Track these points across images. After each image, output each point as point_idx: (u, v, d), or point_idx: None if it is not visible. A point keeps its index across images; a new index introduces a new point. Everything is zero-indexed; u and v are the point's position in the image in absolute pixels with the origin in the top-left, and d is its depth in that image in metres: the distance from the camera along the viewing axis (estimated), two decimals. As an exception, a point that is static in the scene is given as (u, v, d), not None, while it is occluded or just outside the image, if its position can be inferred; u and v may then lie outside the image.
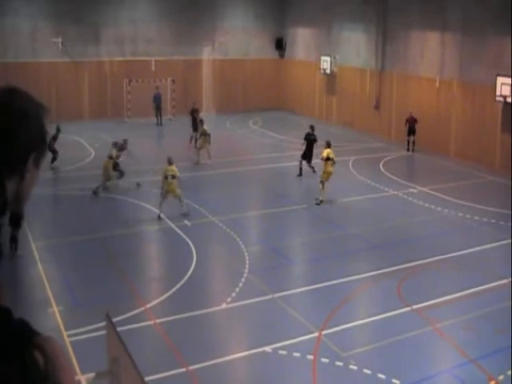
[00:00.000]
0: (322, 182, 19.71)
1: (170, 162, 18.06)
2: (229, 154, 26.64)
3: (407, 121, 27.64)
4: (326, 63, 34.54)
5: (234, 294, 13.04)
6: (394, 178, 23.34)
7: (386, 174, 23.99)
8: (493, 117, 25.16)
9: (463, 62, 26.55)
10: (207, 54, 36.90)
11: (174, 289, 13.31)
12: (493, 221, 18.46)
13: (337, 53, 34.12)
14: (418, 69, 29.04)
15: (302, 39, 37.76)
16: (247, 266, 14.55)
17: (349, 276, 14.21)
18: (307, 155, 22.67)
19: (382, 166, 25.27)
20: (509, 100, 23.79)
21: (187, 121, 28.59)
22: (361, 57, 32.77)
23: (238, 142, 29.43)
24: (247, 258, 15.09)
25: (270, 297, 12.98)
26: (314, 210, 19.27)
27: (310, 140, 22.91)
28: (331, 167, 19.75)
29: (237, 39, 37.61)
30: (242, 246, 15.84)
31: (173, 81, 35.16)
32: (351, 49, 33.43)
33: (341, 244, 16.47)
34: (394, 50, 30.55)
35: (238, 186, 22.05)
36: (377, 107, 31.76)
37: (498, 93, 24.12)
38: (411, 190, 21.72)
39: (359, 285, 13.97)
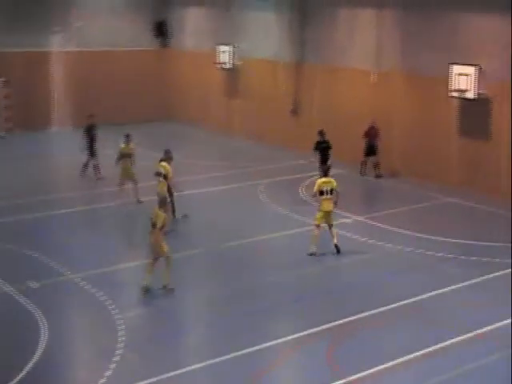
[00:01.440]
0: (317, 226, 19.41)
1: (161, 205, 17.08)
2: (94, 184, 26.43)
3: (366, 134, 27.60)
4: (225, 55, 35.02)
5: (103, 381, 12.82)
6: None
7: (309, 200, 24.42)
8: (447, 117, 26.36)
9: (406, 49, 27.71)
10: (58, 45, 36.57)
11: (13, 381, 12.92)
12: (450, 255, 19.22)
13: (239, 41, 34.68)
14: (348, 59, 30.02)
15: (191, 23, 38.26)
16: (123, 339, 14.42)
17: (262, 342, 14.26)
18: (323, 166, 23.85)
19: (304, 190, 25.73)
20: (468, 95, 25.01)
21: (29, 138, 28.18)
22: (272, 46, 33.40)
23: (106, 168, 29.13)
24: (123, 327, 14.96)
25: (154, 380, 12.85)
26: (215, 254, 19.43)
27: (323, 148, 24.61)
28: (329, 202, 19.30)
29: (101, 24, 37.55)
30: (115, 312, 15.69)
31: (5, 82, 34.46)
32: (258, 35, 34.05)
33: (252, 299, 16.58)
34: (315, 36, 31.41)
35: (107, 228, 21.87)
36: (294, 112, 32.43)
37: (452, 86, 25.34)
38: (344, 220, 22.22)
39: (277, 353, 14.07)
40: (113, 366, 13.37)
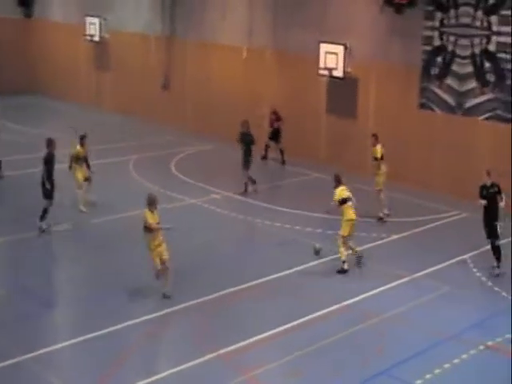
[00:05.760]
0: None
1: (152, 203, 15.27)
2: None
3: (270, 121, 27.16)
4: (93, 27, 34.63)
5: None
6: (191, 181, 24.17)
7: (180, 176, 24.75)
8: (317, 95, 26.92)
9: (278, 26, 28.07)
10: None
11: None
12: (318, 230, 19.77)
13: (108, 13, 34.28)
14: (220, 35, 30.17)
15: (57, -8, 37.44)
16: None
17: (132, 318, 14.33)
18: (245, 162, 22.90)
19: (175, 166, 25.99)
20: (336, 73, 25.58)
21: None
22: (141, 19, 33.24)
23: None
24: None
25: (16, 360, 12.73)
26: (82, 231, 19.44)
27: (247, 141, 23.05)
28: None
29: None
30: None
31: None
32: (127, 7, 33.81)
33: (119, 275, 16.59)
34: (186, 11, 31.37)
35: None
36: (165, 87, 32.42)
37: (321, 64, 25.83)
38: (213, 195, 22.60)
39: (146, 328, 14.18)
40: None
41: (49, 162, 19.18)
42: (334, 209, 17.55)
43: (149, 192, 15.93)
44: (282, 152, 26.90)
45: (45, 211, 19.17)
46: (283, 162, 26.83)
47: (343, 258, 17.20)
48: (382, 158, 20.85)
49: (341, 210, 17.37)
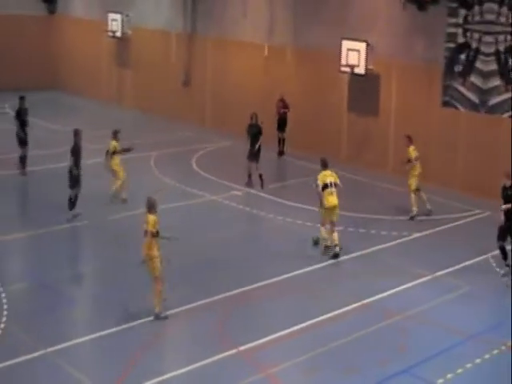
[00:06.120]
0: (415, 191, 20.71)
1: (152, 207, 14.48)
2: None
3: (277, 108, 27.37)
4: (115, 23, 34.69)
5: (-14, 354, 12.62)
6: (212, 177, 24.18)
7: (201, 172, 24.76)
8: (338, 92, 26.83)
9: (299, 23, 27.99)
10: None
11: None
12: (340, 228, 19.48)
13: (130, 9, 34.37)
14: (241, 32, 30.14)
15: (80, -11, 37.60)
16: (5, 313, 14.27)
17: (148, 315, 14.32)
18: (253, 155, 23.04)
19: (195, 162, 26.02)
20: (358, 70, 25.51)
21: None
22: (162, 15, 33.32)
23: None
24: (5, 301, 14.81)
25: (40, 353, 12.81)
26: (105, 226, 19.43)
27: (254, 133, 23.16)
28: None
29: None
30: (-3, 285, 15.48)
31: None
32: (148, 4, 33.89)
33: (136, 272, 16.48)
34: (207, 7, 31.41)
35: None
36: (186, 84, 32.45)
37: (343, 61, 25.78)
38: (234, 192, 22.60)
39: (166, 324, 14.20)
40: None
41: (75, 152, 19.66)
42: (319, 193, 17.74)
43: (148, 196, 15.17)
44: (283, 142, 27.35)
45: (70, 199, 19.53)
46: (282, 153, 27.25)
47: (336, 241, 17.52)
48: (415, 159, 20.67)
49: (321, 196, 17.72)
